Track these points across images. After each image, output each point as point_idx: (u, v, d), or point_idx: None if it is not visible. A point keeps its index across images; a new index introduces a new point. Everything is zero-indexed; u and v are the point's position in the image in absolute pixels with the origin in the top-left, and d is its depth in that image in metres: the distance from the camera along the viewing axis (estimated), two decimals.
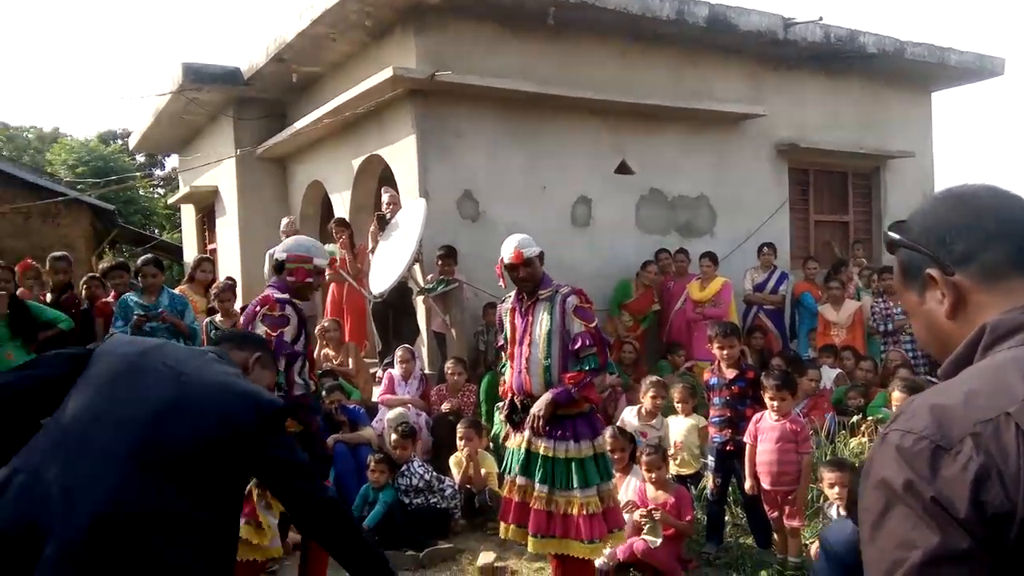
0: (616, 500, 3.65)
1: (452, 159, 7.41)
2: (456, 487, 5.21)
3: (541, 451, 3.41)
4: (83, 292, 6.39)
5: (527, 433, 3.46)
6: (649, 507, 4.25)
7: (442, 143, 7.36)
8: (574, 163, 8.00)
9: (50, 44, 64.77)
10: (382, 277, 6.80)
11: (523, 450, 3.48)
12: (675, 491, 4.41)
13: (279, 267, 3.60)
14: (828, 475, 4.02)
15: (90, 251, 14.34)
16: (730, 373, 4.51)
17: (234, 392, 1.98)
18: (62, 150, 23.56)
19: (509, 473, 3.60)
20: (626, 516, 4.35)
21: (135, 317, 5.41)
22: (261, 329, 3.33)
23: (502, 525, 3.63)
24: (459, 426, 5.42)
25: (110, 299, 5.95)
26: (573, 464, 3.37)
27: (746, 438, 4.37)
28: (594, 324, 3.51)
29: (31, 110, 62.54)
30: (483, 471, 5.29)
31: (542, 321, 3.50)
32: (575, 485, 3.36)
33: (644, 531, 4.22)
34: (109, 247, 16.44)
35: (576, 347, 3.42)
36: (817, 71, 9.47)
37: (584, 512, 3.34)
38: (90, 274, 7.11)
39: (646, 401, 5.43)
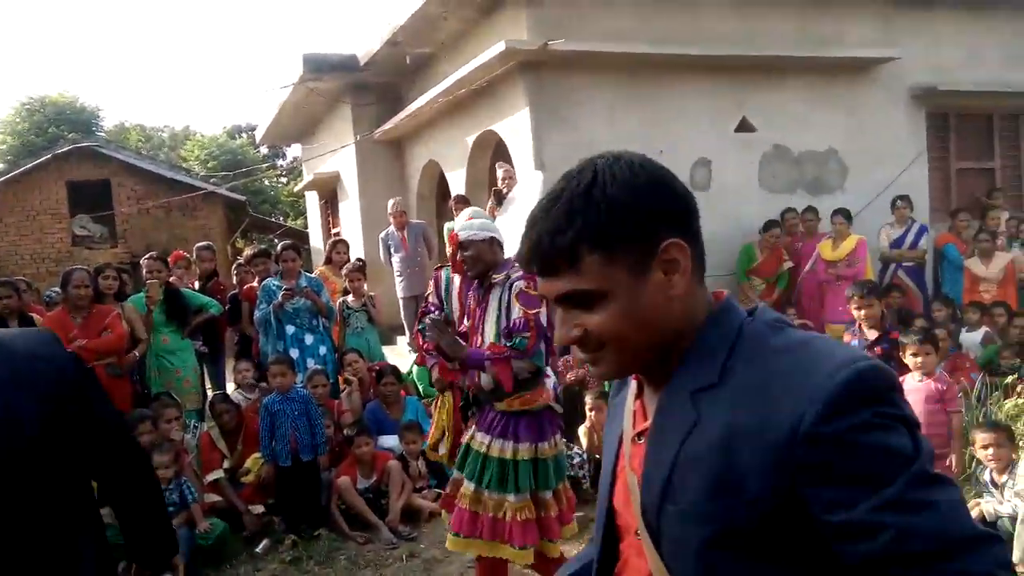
0: (558, 509, 3.18)
1: (566, 129, 7.35)
2: (584, 456, 5.24)
3: (475, 446, 3.18)
4: (235, 278, 6.81)
5: (473, 430, 3.24)
6: None
7: (556, 113, 7.31)
8: (692, 124, 7.77)
9: (177, 47, 68.93)
10: None
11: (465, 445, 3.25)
12: None
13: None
14: (981, 436, 3.79)
15: (225, 240, 15.26)
16: (872, 334, 4.29)
17: None
18: (195, 146, 25.08)
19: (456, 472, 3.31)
20: None
21: (281, 295, 5.73)
22: None
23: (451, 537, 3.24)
24: (587, 396, 5.44)
25: (255, 284, 6.31)
26: (508, 465, 3.11)
27: None
28: (535, 312, 3.09)
29: (163, 110, 66.98)
30: None
31: (492, 309, 3.20)
32: (507, 489, 3.09)
33: None
34: (242, 236, 17.43)
35: (509, 329, 3.11)
36: (956, 6, 8.75)
37: (517, 517, 3.08)
38: (238, 261, 7.59)
39: None
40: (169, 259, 6.63)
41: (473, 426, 3.24)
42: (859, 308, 4.28)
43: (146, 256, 6.22)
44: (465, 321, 3.41)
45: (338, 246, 7.55)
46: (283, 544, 4.55)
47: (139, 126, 29.43)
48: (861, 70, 8.41)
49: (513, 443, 3.10)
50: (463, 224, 3.28)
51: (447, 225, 7.96)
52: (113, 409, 1.85)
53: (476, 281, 3.28)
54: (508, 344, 3.06)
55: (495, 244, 3.22)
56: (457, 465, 3.27)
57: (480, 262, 3.21)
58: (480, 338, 3.19)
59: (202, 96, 63.74)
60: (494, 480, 3.09)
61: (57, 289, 6.15)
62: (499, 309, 3.15)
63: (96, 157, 14.62)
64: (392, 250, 7.99)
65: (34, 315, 5.88)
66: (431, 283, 3.84)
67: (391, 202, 8.30)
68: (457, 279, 3.53)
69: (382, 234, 8.18)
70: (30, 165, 14.48)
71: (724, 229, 7.76)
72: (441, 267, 3.81)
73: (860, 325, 4.36)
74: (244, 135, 27.20)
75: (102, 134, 21.70)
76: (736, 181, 7.95)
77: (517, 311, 3.09)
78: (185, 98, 63.40)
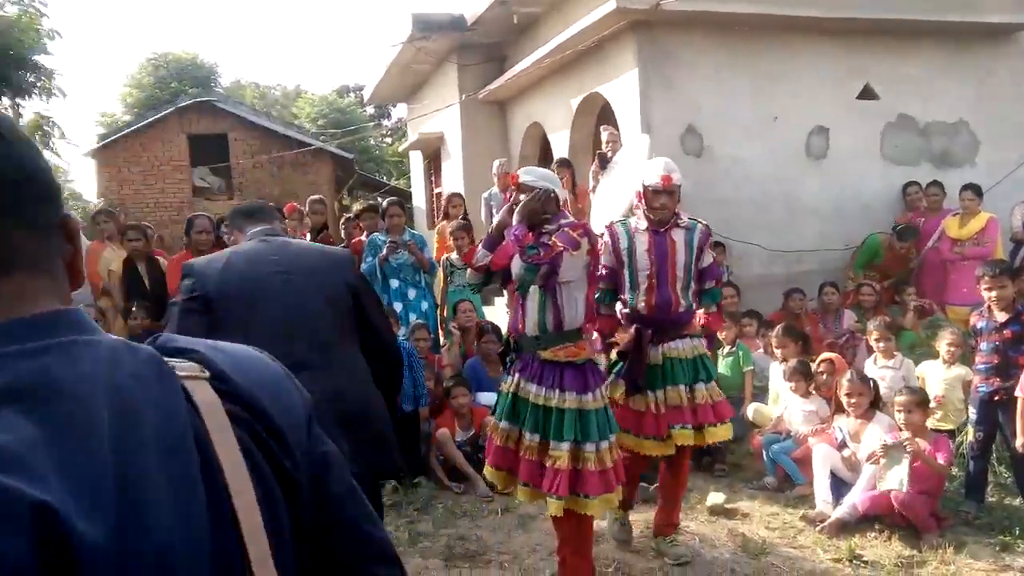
0: (597, 464, 3.17)
1: (675, 92, 7.16)
2: None
3: (531, 398, 3.20)
4: (342, 231, 7.04)
5: (516, 377, 3.29)
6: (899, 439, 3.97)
7: (665, 76, 7.13)
8: (809, 90, 7.42)
9: (289, 7, 70.81)
10: (604, 216, 6.79)
11: (510, 394, 3.29)
12: (933, 440, 4.06)
13: None
14: None
15: (332, 197, 15.72)
16: (1002, 316, 4.03)
17: None
18: (305, 104, 25.84)
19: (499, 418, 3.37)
20: (870, 466, 4.09)
21: (385, 247, 5.89)
22: None
23: (486, 468, 3.45)
24: None
25: (363, 238, 6.49)
26: (554, 414, 3.16)
27: (1018, 391, 3.90)
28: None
29: (276, 69, 69.23)
30: None
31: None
32: (551, 436, 3.16)
33: (882, 470, 3.95)
34: (348, 193, 17.93)
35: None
36: None
37: (554, 465, 3.12)
38: (347, 215, 7.81)
39: (874, 346, 5.14)
40: (284, 210, 6.88)
41: (516, 374, 3.27)
42: (990, 289, 4.01)
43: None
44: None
45: (453, 199, 7.58)
46: (384, 490, 4.72)
47: (254, 83, 30.55)
48: (998, 36, 7.80)
49: (558, 392, 3.15)
50: (526, 169, 3.43)
51: None
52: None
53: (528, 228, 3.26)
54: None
55: (551, 197, 3.27)
56: (503, 414, 3.29)
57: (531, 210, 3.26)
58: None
59: (313, 56, 65.57)
60: (545, 428, 3.15)
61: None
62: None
63: (215, 111, 15.29)
64: (494, 210, 8.01)
65: (159, 258, 6.26)
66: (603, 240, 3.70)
67: (496, 163, 8.31)
68: (644, 237, 3.63)
69: (485, 194, 8.22)
70: (154, 117, 15.29)
71: (839, 200, 7.44)
72: (612, 222, 3.82)
73: (990, 306, 4.09)
74: (352, 95, 27.79)
75: (219, 90, 22.63)
76: (855, 151, 7.57)
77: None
78: (297, 58, 65.33)
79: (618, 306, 3.80)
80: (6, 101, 11.33)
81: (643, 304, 3.61)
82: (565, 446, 3.10)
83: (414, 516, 4.37)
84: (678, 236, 3.65)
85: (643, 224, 3.65)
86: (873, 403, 4.42)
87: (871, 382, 4.49)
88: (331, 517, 0.82)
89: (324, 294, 2.48)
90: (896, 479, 3.93)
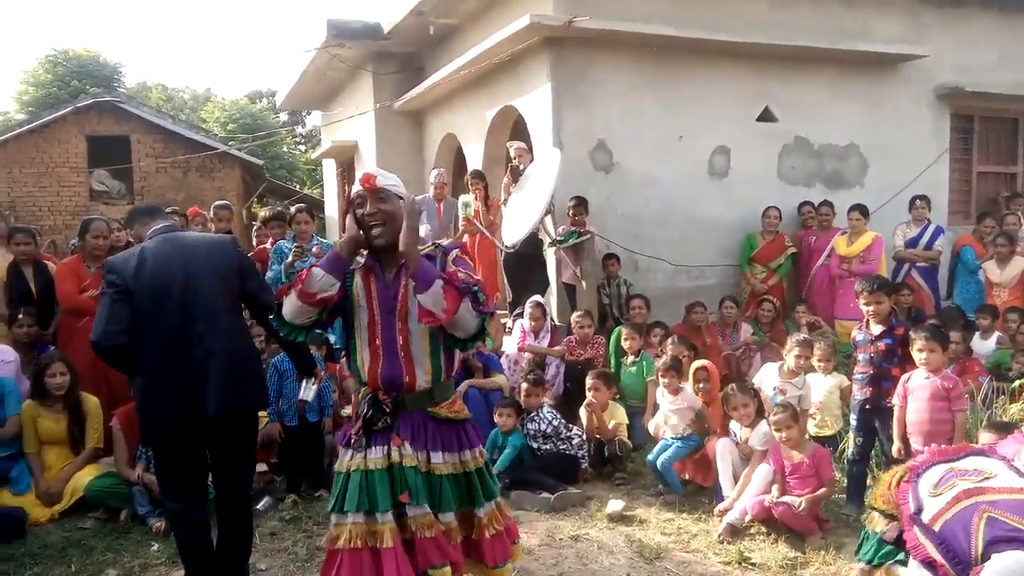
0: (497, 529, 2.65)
1: (586, 108, 7.32)
2: (584, 436, 5.26)
3: (441, 469, 2.51)
4: (254, 240, 6.86)
5: (406, 447, 2.47)
6: (793, 496, 4.11)
7: (577, 92, 7.28)
8: (713, 111, 7.72)
9: (200, 8, 68.70)
10: (514, 228, 6.86)
11: (386, 470, 2.46)
12: (811, 450, 4.25)
13: None
14: (987, 437, 3.75)
15: (241, 204, 15.29)
16: (877, 330, 4.27)
17: None
18: (215, 108, 25.09)
19: (351, 510, 2.45)
20: (759, 473, 4.26)
21: (292, 253, 5.79)
22: None
23: None
24: (588, 377, 5.44)
25: (268, 245, 6.35)
26: (473, 477, 2.57)
27: (895, 399, 4.15)
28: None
29: (185, 72, 66.97)
30: (612, 422, 5.31)
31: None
32: (480, 501, 2.58)
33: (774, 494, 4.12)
34: (258, 200, 17.48)
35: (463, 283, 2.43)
36: (989, 6, 8.63)
37: (486, 534, 2.58)
38: (256, 224, 7.65)
39: (790, 359, 5.16)
40: (187, 214, 6.67)
41: (405, 442, 2.47)
42: (868, 303, 4.25)
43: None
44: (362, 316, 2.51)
45: None
46: (283, 503, 4.62)
47: (160, 85, 29.47)
48: (888, 66, 8.32)
49: (468, 451, 2.59)
50: (380, 172, 2.55)
51: (464, 199, 7.96)
52: (260, 284, 3.45)
53: (376, 261, 2.52)
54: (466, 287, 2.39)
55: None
56: (359, 502, 2.44)
57: (393, 226, 2.44)
58: (405, 327, 2.47)
59: (224, 60, 63.75)
60: (453, 498, 2.53)
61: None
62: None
63: (116, 112, 14.66)
64: (425, 217, 7.97)
65: (47, 263, 5.95)
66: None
67: (435, 172, 8.38)
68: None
69: (419, 197, 8.15)
70: (50, 117, 14.53)
71: (739, 218, 7.74)
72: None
73: (867, 320, 4.34)
74: (264, 100, 27.18)
75: (123, 91, 21.73)
76: (755, 171, 7.91)
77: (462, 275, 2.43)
78: (207, 61, 63.38)
79: None
80: None
81: None
82: (492, 505, 2.63)
83: (314, 530, 4.28)
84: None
85: None
86: (758, 410, 4.59)
87: (753, 391, 4.66)
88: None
89: (214, 276, 3.14)
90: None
